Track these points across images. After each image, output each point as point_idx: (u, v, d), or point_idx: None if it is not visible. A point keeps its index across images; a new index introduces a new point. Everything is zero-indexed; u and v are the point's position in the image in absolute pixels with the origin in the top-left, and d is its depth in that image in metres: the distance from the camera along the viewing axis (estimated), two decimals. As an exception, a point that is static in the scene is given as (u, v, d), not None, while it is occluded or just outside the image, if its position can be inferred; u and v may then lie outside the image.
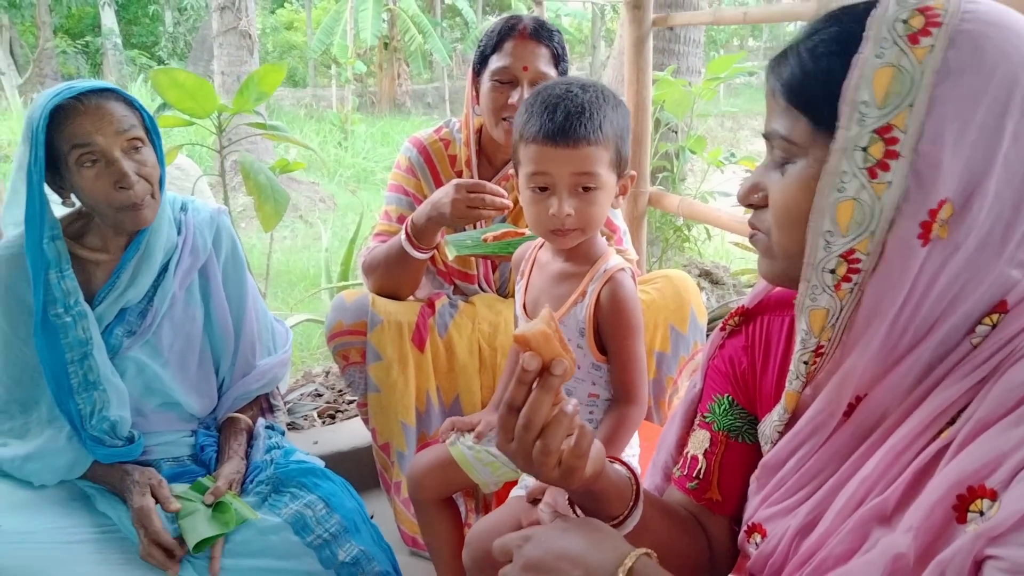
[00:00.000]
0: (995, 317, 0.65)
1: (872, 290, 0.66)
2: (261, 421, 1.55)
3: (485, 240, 1.54)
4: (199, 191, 3.30)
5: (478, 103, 1.69)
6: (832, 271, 0.67)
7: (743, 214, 2.57)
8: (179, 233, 1.44)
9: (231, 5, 7.79)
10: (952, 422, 0.64)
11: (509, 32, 1.62)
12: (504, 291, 1.84)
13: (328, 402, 2.53)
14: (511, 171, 1.57)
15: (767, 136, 0.72)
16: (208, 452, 1.45)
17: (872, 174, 0.63)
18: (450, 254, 1.57)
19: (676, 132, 4.29)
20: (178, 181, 4.04)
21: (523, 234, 1.53)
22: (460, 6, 17.58)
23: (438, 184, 1.75)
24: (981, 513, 0.58)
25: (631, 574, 0.68)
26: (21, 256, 1.29)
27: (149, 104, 1.38)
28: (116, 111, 1.27)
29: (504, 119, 1.63)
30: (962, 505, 0.59)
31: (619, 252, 1.53)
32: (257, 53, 8.30)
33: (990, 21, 0.62)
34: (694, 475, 0.90)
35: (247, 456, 1.46)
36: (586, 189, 1.15)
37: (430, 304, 1.72)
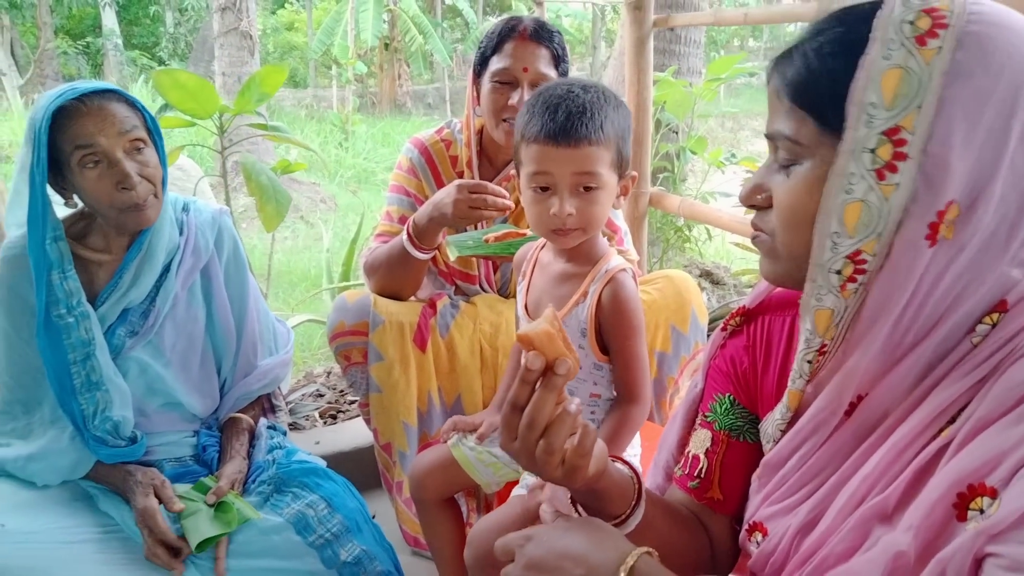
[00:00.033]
0: (995, 316, 0.65)
1: (877, 290, 0.66)
2: (263, 421, 1.55)
3: (487, 241, 1.54)
4: (200, 192, 3.30)
5: (479, 104, 1.69)
6: (838, 272, 0.67)
7: (744, 214, 2.57)
8: (181, 233, 1.44)
9: (232, 6, 7.79)
10: (952, 421, 0.64)
11: (509, 33, 1.62)
12: (505, 291, 1.85)
13: (330, 402, 2.53)
14: (512, 172, 1.57)
15: (771, 137, 0.72)
16: (210, 452, 1.46)
17: (880, 176, 0.63)
18: (452, 255, 1.57)
19: (677, 133, 4.29)
20: (179, 182, 4.04)
21: (524, 235, 1.53)
22: (461, 6, 17.59)
23: (439, 185, 1.75)
24: (981, 511, 0.58)
25: (633, 573, 0.68)
26: (24, 257, 1.29)
27: (150, 105, 1.38)
28: (118, 112, 1.28)
29: (504, 120, 1.63)
30: (962, 503, 0.59)
31: (620, 253, 1.53)
32: (258, 54, 8.30)
33: (995, 23, 0.62)
34: (695, 474, 0.91)
35: (249, 456, 1.46)
36: (587, 189, 1.15)
37: (431, 304, 1.72)
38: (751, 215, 0.78)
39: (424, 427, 1.72)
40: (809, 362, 0.75)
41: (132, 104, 1.32)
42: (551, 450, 0.73)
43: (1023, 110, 0.62)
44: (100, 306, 1.36)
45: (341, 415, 2.45)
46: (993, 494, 0.58)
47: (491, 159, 1.78)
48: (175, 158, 2.26)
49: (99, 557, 1.23)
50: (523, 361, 0.73)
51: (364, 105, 16.04)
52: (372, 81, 17.28)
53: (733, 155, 4.45)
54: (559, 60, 1.65)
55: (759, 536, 0.80)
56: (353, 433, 2.20)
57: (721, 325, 0.95)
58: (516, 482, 1.36)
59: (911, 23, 0.62)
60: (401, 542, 1.78)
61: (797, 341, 0.84)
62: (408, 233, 1.59)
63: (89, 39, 17.94)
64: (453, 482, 1.43)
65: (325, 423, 2.39)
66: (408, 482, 1.50)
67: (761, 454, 0.85)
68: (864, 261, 0.66)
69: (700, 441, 0.92)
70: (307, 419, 2.39)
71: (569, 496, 0.88)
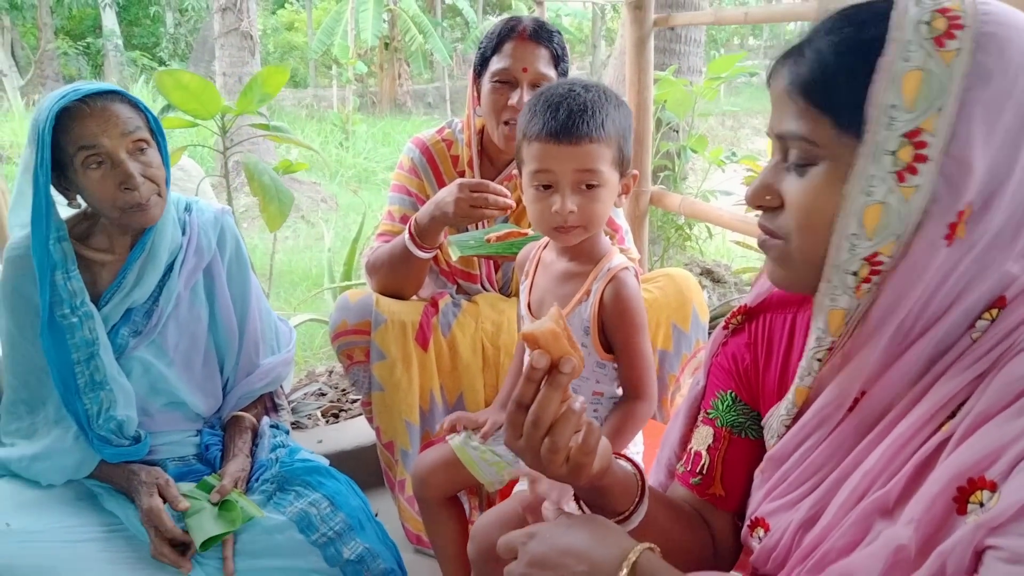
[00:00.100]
0: (994, 312, 0.65)
1: (891, 289, 0.66)
2: (266, 420, 1.56)
3: (488, 240, 1.54)
4: (202, 192, 3.31)
5: (479, 104, 1.70)
6: (854, 273, 0.67)
7: (744, 213, 2.58)
8: (184, 233, 1.45)
9: (232, 6, 7.79)
10: (953, 415, 0.64)
11: (509, 33, 1.62)
12: (507, 290, 1.85)
13: (332, 401, 2.54)
14: (513, 171, 1.57)
15: (781, 136, 0.71)
16: (213, 451, 1.46)
17: (900, 178, 0.63)
18: (453, 255, 1.58)
19: (677, 131, 4.30)
20: (181, 182, 4.05)
21: (526, 234, 1.54)
22: (460, 6, 17.57)
23: (441, 184, 1.75)
24: (981, 504, 0.59)
25: (635, 568, 0.69)
26: (28, 257, 1.30)
27: (151, 105, 1.38)
28: (121, 113, 1.28)
29: (505, 123, 1.63)
30: (962, 497, 0.60)
31: (622, 251, 1.53)
32: (259, 54, 8.30)
33: (1008, 23, 0.62)
34: (697, 471, 0.91)
35: (252, 454, 1.47)
36: (589, 187, 1.16)
37: (433, 303, 1.72)
38: (752, 213, 0.78)
39: (426, 426, 1.73)
40: (819, 360, 0.75)
41: (135, 105, 1.32)
42: (556, 448, 0.73)
43: None
44: (104, 306, 1.36)
45: (343, 414, 2.45)
46: (993, 487, 0.58)
47: (492, 159, 1.78)
48: (177, 158, 2.27)
49: (104, 556, 1.23)
50: (528, 360, 0.73)
51: (364, 105, 16.03)
52: (372, 81, 17.28)
53: (733, 153, 4.45)
54: (559, 60, 1.65)
55: (761, 532, 0.81)
56: (355, 432, 2.21)
57: (723, 323, 0.95)
58: (518, 480, 1.37)
59: (927, 24, 0.62)
60: (404, 540, 1.79)
61: (798, 338, 0.85)
62: (410, 232, 1.59)
63: (89, 40, 17.94)
64: (456, 480, 1.43)
65: (327, 422, 2.39)
66: (411, 480, 1.51)
67: (763, 450, 0.86)
68: (880, 263, 0.66)
69: (702, 438, 0.92)
70: (309, 418, 2.40)
71: (572, 493, 0.88)
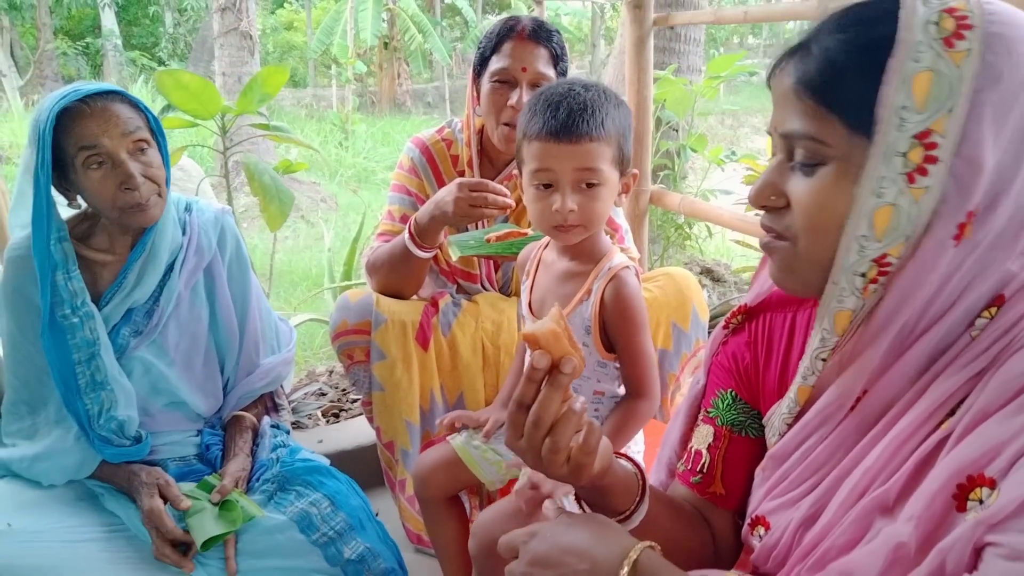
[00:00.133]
0: (993, 310, 0.65)
1: (898, 289, 0.66)
2: (267, 420, 1.56)
3: (488, 240, 1.54)
4: (202, 192, 3.31)
5: (479, 104, 1.70)
6: (863, 274, 0.67)
7: (744, 212, 2.58)
8: (184, 233, 1.45)
9: (232, 6, 7.78)
10: (952, 413, 0.65)
11: (508, 33, 1.63)
12: (507, 290, 1.85)
13: (332, 401, 2.54)
14: (513, 171, 1.57)
15: (787, 135, 0.70)
16: (214, 451, 1.46)
17: (911, 179, 0.63)
18: (453, 255, 1.58)
19: (677, 130, 4.30)
20: (181, 182, 4.05)
21: (526, 234, 1.54)
22: (460, 5, 17.57)
23: (440, 184, 1.75)
24: (980, 501, 0.59)
25: (636, 567, 0.69)
26: (28, 258, 1.30)
27: (150, 105, 1.38)
28: (122, 113, 1.28)
29: (504, 124, 1.63)
30: (962, 494, 0.60)
31: (622, 251, 1.53)
32: (258, 54, 8.30)
33: (1013, 22, 0.63)
34: (698, 469, 0.91)
35: (253, 454, 1.47)
36: (589, 185, 1.16)
37: (433, 303, 1.72)
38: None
39: (427, 425, 1.73)
40: (824, 360, 0.75)
41: (135, 105, 1.32)
42: (557, 448, 0.73)
43: None
44: (104, 306, 1.36)
45: (344, 414, 2.45)
46: (992, 484, 0.58)
47: (492, 159, 1.79)
48: (177, 159, 2.27)
49: (105, 556, 1.23)
50: (529, 360, 0.73)
51: (364, 104, 16.03)
52: (371, 80, 17.27)
53: (733, 152, 4.46)
54: (558, 59, 1.65)
55: (761, 530, 0.81)
56: (356, 432, 2.21)
57: (723, 323, 0.95)
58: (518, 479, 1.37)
59: (936, 24, 0.62)
60: (404, 540, 1.79)
61: (798, 337, 0.85)
62: (410, 232, 1.59)
63: (88, 40, 17.94)
64: (457, 480, 1.43)
65: (328, 422, 2.39)
66: (413, 480, 1.51)
67: (763, 449, 0.86)
68: (889, 264, 0.66)
69: (702, 437, 0.92)
70: (310, 418, 2.40)
71: (573, 492, 0.89)
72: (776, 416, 0.82)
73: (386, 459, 1.77)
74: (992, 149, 0.62)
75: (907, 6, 0.64)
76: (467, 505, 1.63)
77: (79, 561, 1.20)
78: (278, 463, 1.42)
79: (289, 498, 1.36)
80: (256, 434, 1.52)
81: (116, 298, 1.37)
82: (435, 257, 1.76)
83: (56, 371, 1.31)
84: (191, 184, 3.83)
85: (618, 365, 1.25)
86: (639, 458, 1.31)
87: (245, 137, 2.94)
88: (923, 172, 0.63)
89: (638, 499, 0.85)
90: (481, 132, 1.77)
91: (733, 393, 0.91)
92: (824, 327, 0.73)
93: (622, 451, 0.90)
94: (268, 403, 1.64)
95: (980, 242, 0.64)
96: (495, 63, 1.63)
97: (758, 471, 0.85)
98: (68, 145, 1.26)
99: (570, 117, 1.12)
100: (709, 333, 1.67)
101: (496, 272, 1.83)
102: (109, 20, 16.64)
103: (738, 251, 4.58)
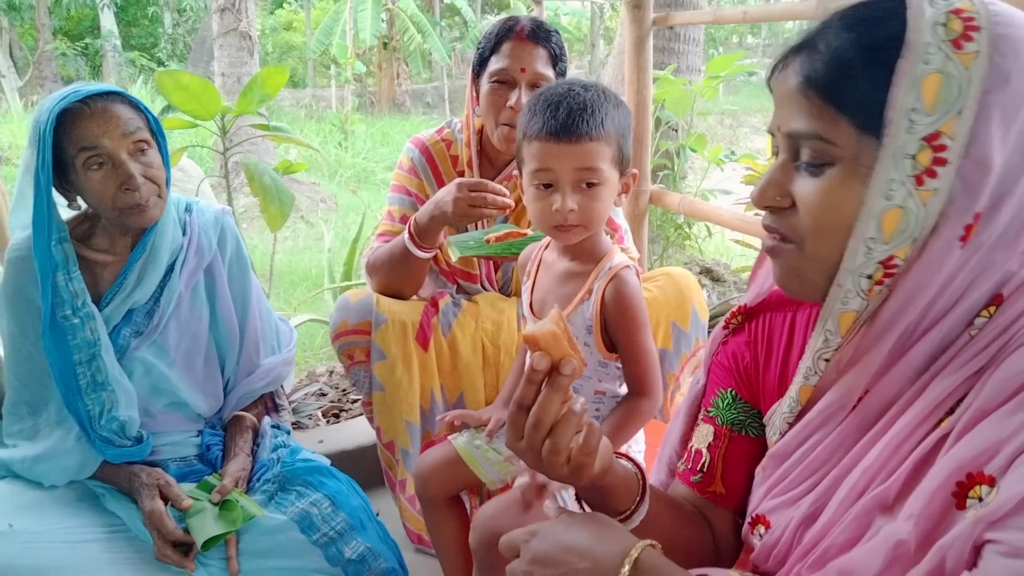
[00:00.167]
0: (992, 309, 0.66)
1: (903, 290, 0.67)
2: (267, 420, 1.56)
3: (488, 241, 1.55)
4: (202, 193, 3.31)
5: (478, 104, 1.70)
6: (869, 276, 0.67)
7: (744, 212, 2.57)
8: (184, 234, 1.45)
9: (231, 7, 7.78)
10: (952, 411, 0.65)
11: (507, 34, 1.63)
12: (507, 290, 1.85)
13: (332, 401, 2.54)
14: (513, 171, 1.58)
15: (793, 135, 0.69)
16: (214, 451, 1.47)
17: (919, 181, 0.63)
18: (453, 255, 1.58)
19: (676, 130, 4.30)
20: (180, 183, 4.05)
21: (525, 234, 1.54)
22: (459, 5, 17.57)
23: (440, 184, 1.76)
24: (980, 499, 0.59)
25: (637, 565, 0.69)
26: (29, 259, 1.30)
27: (150, 106, 1.38)
28: (122, 114, 1.28)
29: (503, 124, 1.64)
30: (961, 492, 0.60)
31: (621, 251, 1.54)
32: (257, 54, 8.30)
33: (1016, 23, 0.63)
34: (698, 468, 0.91)
35: (253, 454, 1.47)
36: (589, 185, 1.16)
37: (434, 303, 1.73)
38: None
39: (427, 425, 1.73)
40: (827, 360, 0.75)
41: (135, 105, 1.32)
42: (557, 449, 0.74)
43: None
44: (105, 307, 1.36)
45: (344, 414, 2.45)
46: (991, 482, 0.58)
47: (491, 159, 1.79)
48: (177, 159, 2.27)
49: (106, 557, 1.23)
50: (529, 361, 0.74)
51: (363, 104, 16.03)
52: (371, 80, 17.28)
53: (732, 152, 4.46)
54: (557, 60, 1.65)
55: (762, 529, 0.81)
56: (356, 432, 2.21)
57: (722, 323, 0.95)
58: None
59: (944, 25, 0.62)
60: (405, 539, 1.79)
61: (798, 336, 0.85)
62: (409, 232, 1.59)
63: (88, 40, 17.94)
64: (458, 479, 1.43)
65: (328, 422, 2.39)
66: (414, 479, 1.51)
67: (763, 448, 0.86)
68: (895, 266, 0.66)
69: (703, 436, 0.92)
70: (310, 418, 2.40)
71: (574, 493, 0.89)
72: (777, 415, 0.83)
73: (386, 459, 1.77)
74: (999, 150, 0.62)
75: (913, 6, 0.63)
76: (467, 505, 1.63)
77: (80, 562, 1.20)
78: (279, 463, 1.42)
79: (290, 498, 1.36)
80: (256, 434, 1.52)
81: (117, 299, 1.37)
82: (435, 257, 1.76)
83: (57, 372, 1.31)
84: (191, 185, 3.84)
85: (619, 365, 1.26)
86: (640, 458, 1.32)
87: (245, 138, 2.94)
88: (932, 174, 0.63)
89: (638, 499, 0.85)
90: (481, 132, 1.77)
91: (733, 392, 0.91)
92: (828, 328, 0.73)
93: (623, 451, 0.90)
94: (269, 403, 1.65)
95: (984, 243, 0.64)
96: (494, 63, 1.63)
97: (758, 470, 0.85)
98: (68, 146, 1.26)
99: (570, 117, 1.12)
100: (709, 333, 1.67)
101: (496, 272, 1.83)
102: (108, 21, 16.63)
103: (738, 251, 4.58)
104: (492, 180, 1.63)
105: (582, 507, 0.88)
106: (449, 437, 1.46)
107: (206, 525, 1.26)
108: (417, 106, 17.22)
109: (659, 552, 0.72)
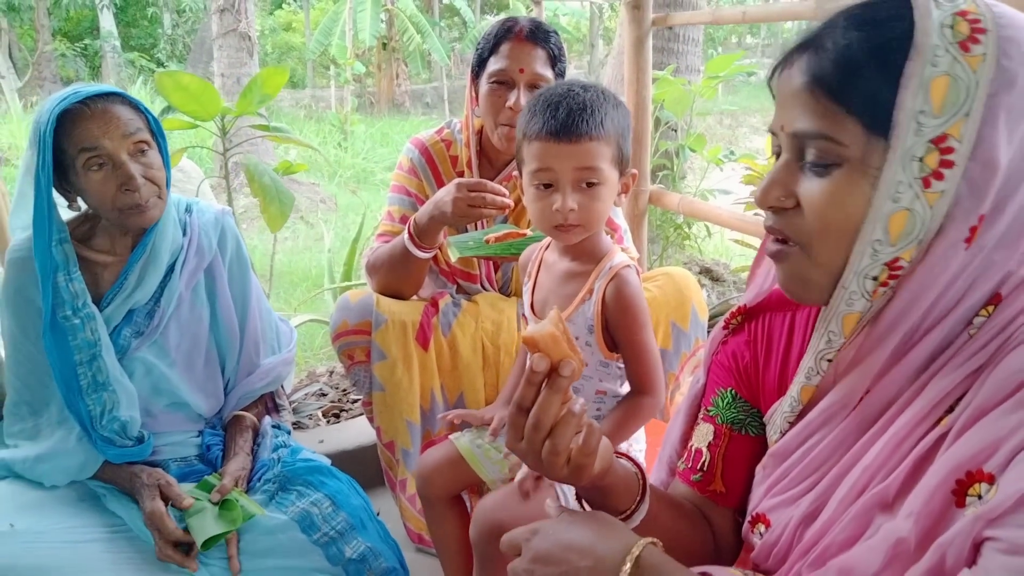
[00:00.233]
0: (990, 308, 0.66)
1: (908, 292, 0.67)
2: (268, 420, 1.56)
3: (487, 241, 1.55)
4: (202, 193, 3.31)
5: (478, 105, 1.70)
6: (874, 278, 0.67)
7: (743, 211, 2.57)
8: (184, 234, 1.45)
9: (231, 7, 7.78)
10: (951, 410, 0.65)
11: (506, 34, 1.63)
12: (507, 290, 1.86)
13: (333, 401, 2.54)
14: (513, 172, 1.58)
15: (798, 135, 0.69)
16: (214, 451, 1.47)
17: (926, 184, 0.63)
18: (452, 256, 1.58)
19: (676, 130, 4.30)
20: (180, 184, 4.05)
21: (525, 235, 1.54)
22: (458, 5, 17.58)
23: (440, 184, 1.76)
24: (979, 497, 0.59)
25: (638, 562, 0.69)
26: (29, 259, 1.30)
27: (149, 106, 1.39)
28: (122, 115, 1.29)
29: (502, 125, 1.64)
30: (961, 490, 0.60)
31: (621, 251, 1.54)
32: (257, 55, 8.29)
33: (1021, 26, 0.63)
34: (698, 467, 0.91)
35: (253, 453, 1.47)
36: (589, 185, 1.17)
37: (434, 303, 1.73)
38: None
39: (427, 425, 1.74)
40: (829, 360, 0.75)
41: (136, 106, 1.33)
42: (557, 450, 0.74)
43: None
44: (105, 307, 1.36)
45: (344, 414, 2.46)
46: (991, 480, 0.59)
47: (491, 159, 1.79)
48: (177, 160, 2.27)
49: (107, 557, 1.23)
50: (528, 363, 0.74)
51: (362, 105, 16.03)
52: (370, 81, 17.28)
53: (732, 152, 4.47)
54: (555, 60, 1.66)
55: (762, 528, 0.81)
56: (356, 431, 2.21)
57: (722, 323, 0.95)
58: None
59: (951, 28, 0.62)
60: (405, 539, 1.79)
61: (797, 336, 0.86)
62: (409, 232, 1.60)
63: (87, 41, 17.94)
64: (459, 479, 1.44)
65: (328, 422, 2.40)
66: (415, 478, 1.51)
67: (762, 447, 0.87)
68: (900, 267, 0.66)
69: (702, 435, 0.93)
70: (311, 418, 2.40)
71: (575, 493, 0.89)
72: (778, 414, 0.83)
73: (387, 459, 1.77)
74: (1005, 152, 0.62)
75: (920, 7, 0.63)
76: (468, 504, 1.63)
77: (81, 561, 1.20)
78: (279, 463, 1.42)
79: (290, 498, 1.37)
80: (256, 434, 1.52)
81: (117, 299, 1.37)
82: (435, 257, 1.76)
83: (58, 372, 1.31)
84: (191, 185, 3.84)
85: (621, 364, 1.26)
86: (641, 457, 1.32)
87: (245, 138, 2.95)
88: (939, 177, 0.63)
89: (639, 499, 0.85)
90: (480, 133, 1.77)
91: (733, 392, 0.91)
92: (831, 329, 0.73)
93: (623, 450, 0.91)
94: (269, 403, 1.65)
95: (987, 244, 0.64)
96: (493, 64, 1.63)
97: (759, 469, 0.85)
98: (69, 147, 1.26)
99: (569, 117, 1.13)
100: (708, 332, 1.67)
101: (496, 272, 1.83)
102: (107, 21, 16.63)
103: (737, 250, 4.58)
104: (492, 180, 1.63)
105: (582, 507, 0.88)
106: (451, 436, 1.46)
107: (206, 524, 1.27)
108: (416, 106, 17.22)
109: (660, 550, 0.72)
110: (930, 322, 0.67)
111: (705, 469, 0.91)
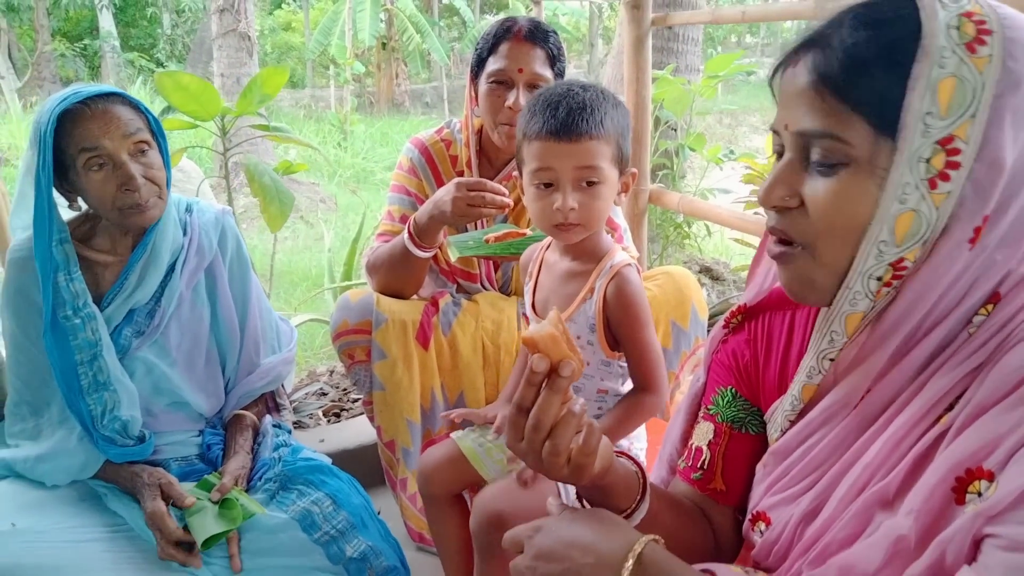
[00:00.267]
0: (989, 307, 0.66)
1: (911, 291, 0.67)
2: (268, 419, 1.56)
3: (487, 241, 1.55)
4: (202, 193, 3.32)
5: (477, 104, 1.70)
6: (879, 278, 0.67)
7: (743, 211, 2.57)
8: (185, 234, 1.46)
9: (230, 7, 7.77)
10: (951, 408, 0.65)
11: (505, 34, 1.63)
12: (507, 289, 1.86)
13: (333, 401, 2.55)
14: (512, 171, 1.58)
15: (804, 134, 0.68)
16: (215, 451, 1.47)
17: (932, 185, 0.63)
18: (452, 255, 1.58)
19: (675, 130, 4.30)
20: (180, 184, 4.06)
21: (525, 234, 1.54)
22: (458, 5, 17.57)
23: (439, 184, 1.76)
24: (979, 494, 0.59)
25: (640, 560, 0.69)
26: (30, 259, 1.31)
27: (150, 106, 1.39)
28: (123, 115, 1.29)
29: (502, 124, 1.64)
30: (961, 487, 0.60)
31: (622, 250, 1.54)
32: (256, 55, 8.29)
33: (1022, 26, 0.63)
34: (698, 466, 0.92)
35: (253, 452, 1.48)
36: (589, 184, 1.17)
37: (434, 303, 1.73)
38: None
39: (427, 424, 1.74)
40: (831, 359, 0.75)
41: (136, 106, 1.33)
42: (557, 450, 0.74)
43: None
44: (106, 307, 1.37)
45: (345, 413, 2.46)
46: (991, 477, 0.59)
47: (491, 159, 1.79)
48: (177, 160, 2.27)
49: (108, 556, 1.23)
50: (528, 363, 0.74)
51: (362, 105, 16.03)
52: (370, 81, 17.27)
53: (732, 151, 4.46)
54: (555, 60, 1.66)
55: (762, 526, 0.81)
56: (357, 431, 2.21)
57: (722, 322, 0.95)
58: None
59: (957, 29, 0.62)
60: (406, 538, 1.80)
61: (797, 335, 0.86)
62: (409, 232, 1.60)
63: (86, 41, 17.94)
64: (461, 477, 1.44)
65: (329, 421, 2.40)
66: (416, 477, 1.51)
67: (762, 445, 0.87)
68: (904, 268, 0.67)
69: (703, 434, 0.93)
70: (311, 417, 2.40)
71: (575, 492, 0.89)
72: (779, 413, 0.83)
73: (387, 458, 1.77)
74: (1010, 153, 0.62)
75: (926, 8, 0.63)
76: (469, 503, 1.64)
77: (82, 561, 1.20)
78: (280, 462, 1.42)
79: (291, 497, 1.37)
80: (256, 433, 1.53)
81: (118, 299, 1.37)
82: (435, 257, 1.76)
83: (58, 372, 1.31)
84: (191, 185, 3.84)
85: (622, 363, 1.26)
86: (641, 455, 1.32)
87: (245, 138, 2.95)
88: (945, 178, 0.63)
89: (639, 497, 0.85)
90: (480, 132, 1.77)
91: (733, 390, 0.91)
92: (833, 329, 0.73)
93: (624, 449, 0.91)
94: (270, 403, 1.65)
95: (989, 244, 0.64)
96: (492, 64, 1.63)
97: (759, 467, 0.85)
98: (69, 147, 1.26)
99: (569, 116, 1.13)
100: (708, 331, 1.67)
101: (496, 272, 1.83)
102: (107, 21, 16.63)
103: (737, 249, 4.58)
104: (491, 180, 1.63)
105: (583, 506, 0.89)
106: (453, 435, 1.46)
107: (206, 524, 1.27)
108: (416, 106, 17.22)
109: (662, 547, 0.72)
110: (932, 321, 0.67)
111: (705, 467, 0.91)
